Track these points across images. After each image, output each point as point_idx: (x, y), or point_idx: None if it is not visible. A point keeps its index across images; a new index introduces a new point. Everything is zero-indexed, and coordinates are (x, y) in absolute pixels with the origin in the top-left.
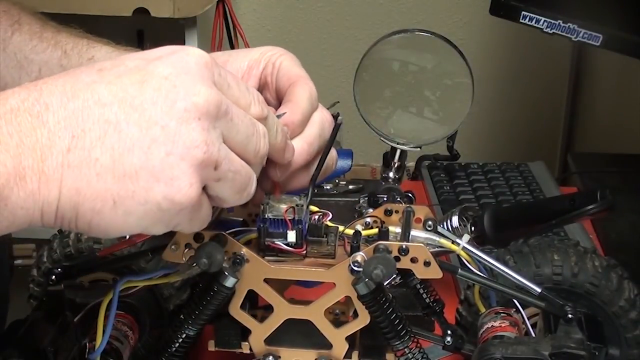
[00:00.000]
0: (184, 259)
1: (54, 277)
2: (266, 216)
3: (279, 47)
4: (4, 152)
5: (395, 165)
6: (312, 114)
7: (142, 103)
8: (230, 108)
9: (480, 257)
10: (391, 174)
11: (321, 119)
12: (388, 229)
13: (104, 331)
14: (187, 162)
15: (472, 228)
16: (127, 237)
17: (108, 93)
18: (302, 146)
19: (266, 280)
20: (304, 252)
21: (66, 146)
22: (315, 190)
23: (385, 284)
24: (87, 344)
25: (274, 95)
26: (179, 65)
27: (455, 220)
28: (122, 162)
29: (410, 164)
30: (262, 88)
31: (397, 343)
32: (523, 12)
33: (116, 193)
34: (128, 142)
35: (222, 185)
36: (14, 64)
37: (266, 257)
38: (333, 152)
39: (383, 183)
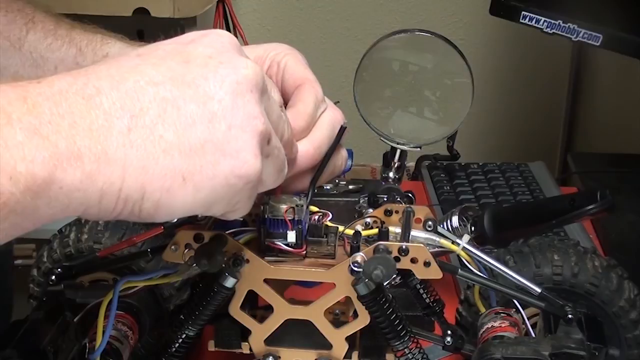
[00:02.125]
0: (184, 259)
1: (54, 277)
2: (266, 216)
3: (284, 45)
4: (55, 133)
5: (395, 165)
6: (320, 116)
7: (193, 79)
8: (267, 85)
9: (480, 257)
10: (391, 174)
11: (331, 120)
12: (388, 229)
13: (104, 331)
14: (248, 133)
15: (472, 228)
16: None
17: (157, 73)
18: (307, 150)
19: (266, 281)
20: (304, 252)
21: (126, 126)
22: (315, 191)
23: (385, 284)
24: (87, 344)
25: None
26: (217, 45)
27: (455, 220)
28: (186, 137)
29: (410, 164)
30: None
31: (397, 343)
32: (523, 12)
33: (185, 169)
34: (189, 118)
35: (268, 163)
36: (30, 62)
37: (266, 258)
38: (343, 152)
39: (383, 183)
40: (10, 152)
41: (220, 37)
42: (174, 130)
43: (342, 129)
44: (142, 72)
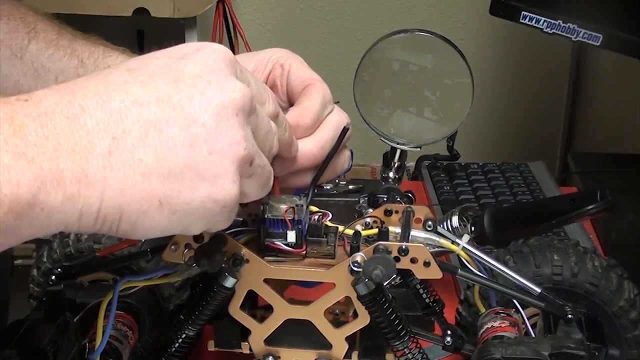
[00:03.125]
0: (183, 259)
1: (54, 277)
2: (266, 216)
3: (284, 49)
4: (39, 155)
5: (395, 165)
6: (327, 116)
7: (179, 101)
8: (255, 104)
9: (480, 257)
10: (391, 174)
11: (337, 122)
12: (388, 229)
13: (103, 331)
14: (229, 159)
15: (472, 228)
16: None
17: (143, 92)
18: (310, 149)
19: (266, 281)
20: (304, 252)
21: (107, 148)
22: (315, 190)
23: (385, 284)
24: (87, 344)
25: (285, 98)
26: (209, 63)
27: (455, 220)
28: (166, 162)
29: (410, 164)
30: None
31: (396, 343)
32: (523, 12)
33: (162, 193)
34: (170, 142)
35: (251, 181)
36: (31, 72)
37: (266, 258)
38: (347, 152)
39: (383, 183)
40: None
41: (214, 53)
42: (154, 154)
43: (345, 130)
44: (129, 91)
